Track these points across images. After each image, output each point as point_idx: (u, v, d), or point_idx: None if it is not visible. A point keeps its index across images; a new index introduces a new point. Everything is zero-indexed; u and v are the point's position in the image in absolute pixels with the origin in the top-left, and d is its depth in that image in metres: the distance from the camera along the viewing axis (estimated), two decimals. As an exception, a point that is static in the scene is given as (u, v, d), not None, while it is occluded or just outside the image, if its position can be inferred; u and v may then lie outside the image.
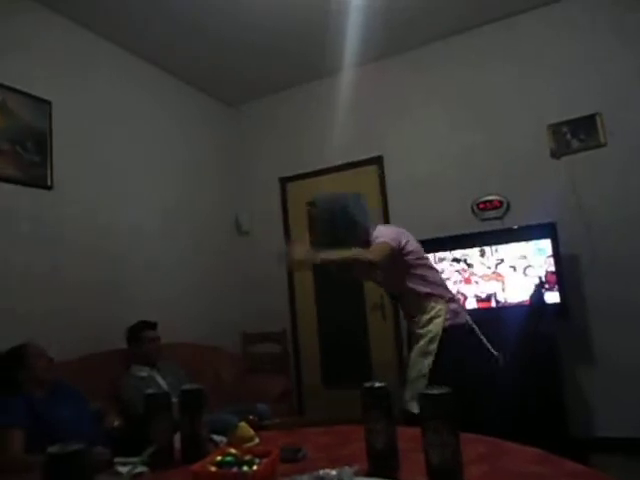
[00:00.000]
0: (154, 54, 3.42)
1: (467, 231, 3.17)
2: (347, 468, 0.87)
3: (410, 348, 2.04)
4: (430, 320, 1.97)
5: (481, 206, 3.27)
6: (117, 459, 1.15)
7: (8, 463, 1.65)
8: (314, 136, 3.93)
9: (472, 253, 3.06)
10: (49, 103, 2.72)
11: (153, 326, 2.79)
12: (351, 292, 3.71)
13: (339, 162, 3.81)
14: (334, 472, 0.86)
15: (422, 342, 1.95)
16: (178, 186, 3.64)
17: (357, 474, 0.89)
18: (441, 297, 2.03)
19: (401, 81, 3.68)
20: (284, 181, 4.11)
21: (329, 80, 3.92)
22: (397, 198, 3.63)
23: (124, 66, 3.31)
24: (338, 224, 2.03)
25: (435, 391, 0.99)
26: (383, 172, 3.69)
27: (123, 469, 1.08)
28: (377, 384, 1.11)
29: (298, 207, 3.98)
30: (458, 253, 3.09)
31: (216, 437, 1.31)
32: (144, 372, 2.65)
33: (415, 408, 1.88)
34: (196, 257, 3.65)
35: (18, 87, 2.57)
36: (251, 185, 4.19)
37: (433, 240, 3.18)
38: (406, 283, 2.04)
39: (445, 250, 3.13)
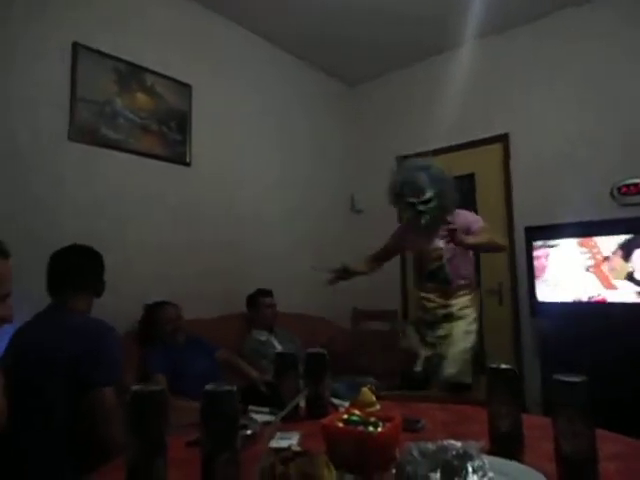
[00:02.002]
0: (280, 37, 3.55)
1: (603, 217, 2.88)
2: (473, 443, 0.87)
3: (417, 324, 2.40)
4: (467, 305, 2.25)
5: (623, 190, 2.93)
6: (251, 407, 1.28)
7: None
8: (432, 114, 3.80)
9: (606, 241, 2.77)
10: (189, 87, 2.99)
11: (269, 293, 2.99)
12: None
13: (459, 140, 3.66)
14: (459, 444, 0.86)
15: (463, 324, 2.21)
16: (299, 163, 3.79)
17: (481, 451, 0.88)
18: (473, 287, 2.37)
19: (527, 53, 3.40)
20: (402, 160, 4.06)
21: (449, 55, 3.76)
22: (523, 179, 3.40)
23: (253, 50, 3.50)
24: (447, 194, 2.20)
25: (570, 378, 0.93)
26: (508, 151, 3.47)
27: (257, 416, 1.21)
28: (504, 366, 1.08)
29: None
30: (590, 242, 2.83)
31: (336, 401, 1.38)
32: (263, 336, 2.86)
33: (468, 378, 2.13)
34: (311, 233, 3.79)
35: (164, 72, 2.86)
36: (368, 164, 4.19)
37: (561, 226, 2.96)
38: (465, 266, 2.28)
39: (575, 237, 2.88)
